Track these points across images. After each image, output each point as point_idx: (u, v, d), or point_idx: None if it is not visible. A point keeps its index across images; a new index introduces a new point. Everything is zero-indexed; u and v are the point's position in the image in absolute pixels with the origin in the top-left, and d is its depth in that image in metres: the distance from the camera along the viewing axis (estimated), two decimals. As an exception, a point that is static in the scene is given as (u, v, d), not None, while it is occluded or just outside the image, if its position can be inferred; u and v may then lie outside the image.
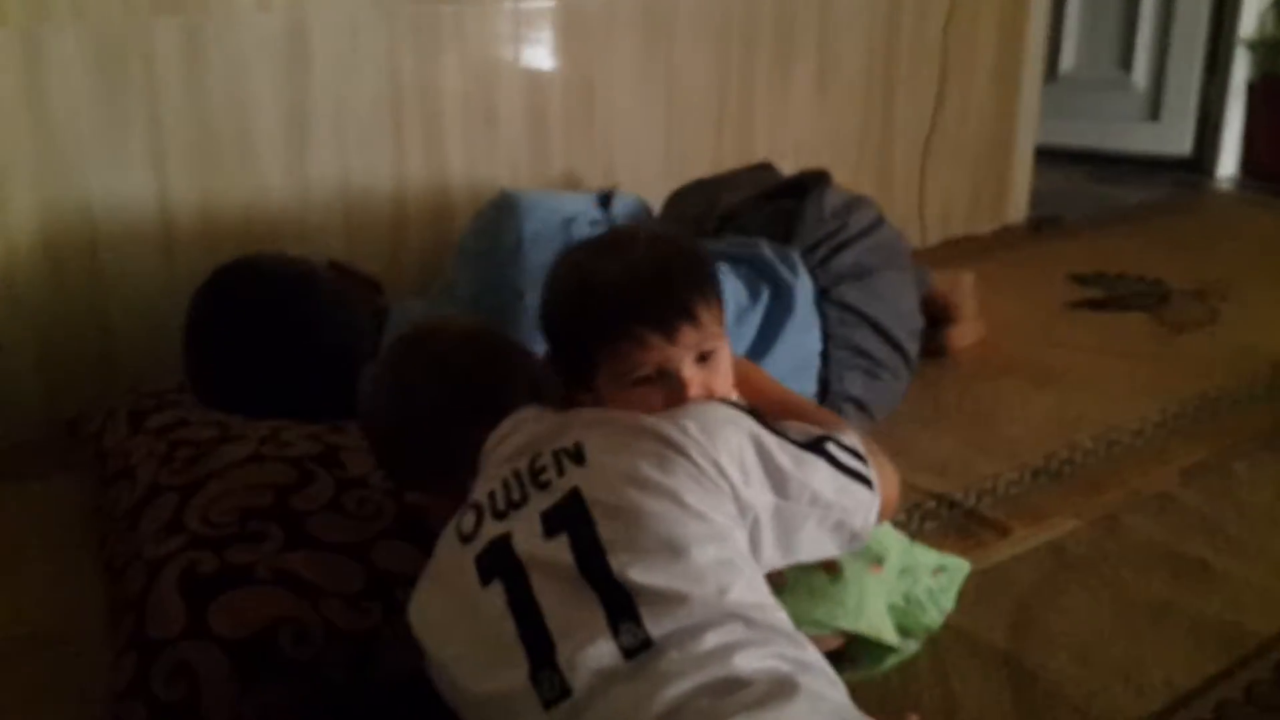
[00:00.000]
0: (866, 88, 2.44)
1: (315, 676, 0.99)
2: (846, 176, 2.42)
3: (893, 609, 1.13)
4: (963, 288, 1.97)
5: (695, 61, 2.15)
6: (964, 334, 2.00)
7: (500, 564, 0.86)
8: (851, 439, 1.01)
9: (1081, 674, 1.14)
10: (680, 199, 1.87)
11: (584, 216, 1.49)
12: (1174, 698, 1.10)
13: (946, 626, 1.20)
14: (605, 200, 1.55)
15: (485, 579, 0.86)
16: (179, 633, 0.98)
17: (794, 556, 0.96)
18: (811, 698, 0.75)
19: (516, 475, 0.91)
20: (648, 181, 2.00)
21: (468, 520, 0.91)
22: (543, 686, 0.78)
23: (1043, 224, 2.85)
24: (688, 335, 0.97)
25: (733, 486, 0.89)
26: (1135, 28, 3.40)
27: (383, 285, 1.52)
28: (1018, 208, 2.88)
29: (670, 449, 0.88)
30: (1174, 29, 3.35)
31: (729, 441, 0.91)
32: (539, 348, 1.11)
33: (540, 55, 1.94)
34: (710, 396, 0.99)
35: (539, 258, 1.34)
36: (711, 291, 1.01)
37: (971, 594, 1.26)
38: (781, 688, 0.74)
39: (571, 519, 0.85)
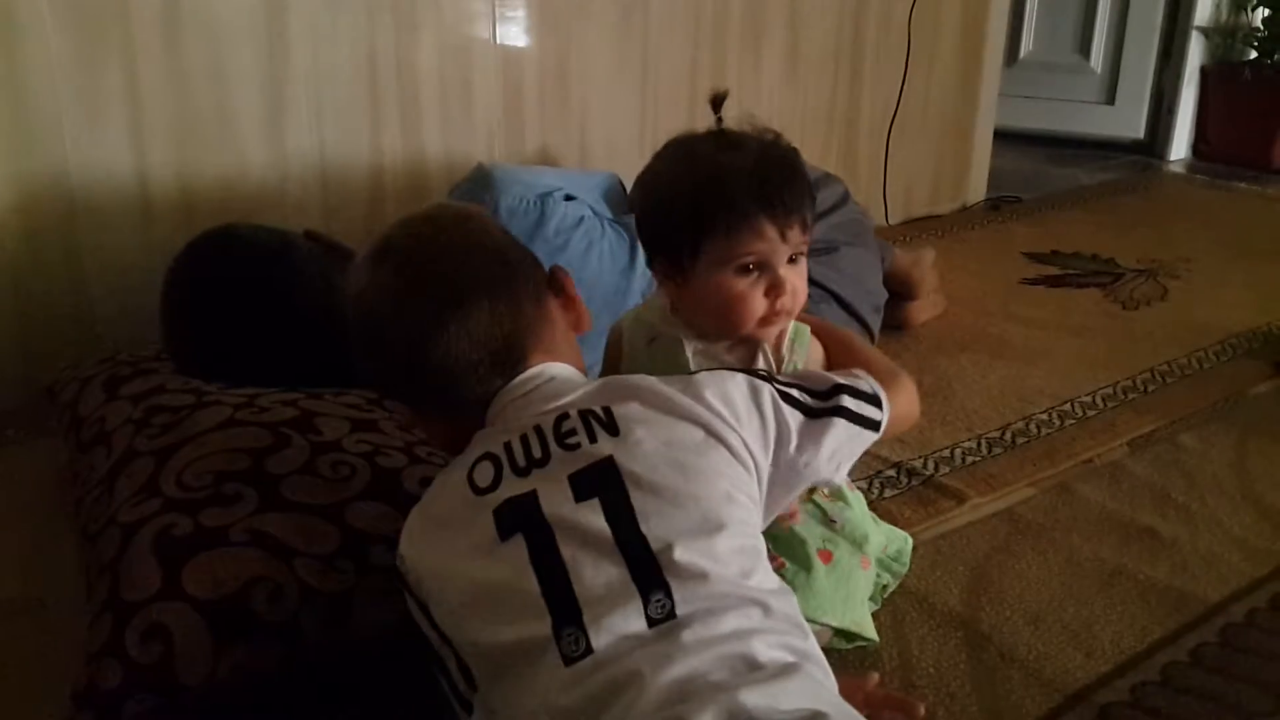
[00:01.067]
0: (834, 69, 2.47)
1: (290, 635, 1.01)
2: (814, 155, 2.46)
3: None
4: (923, 264, 2.01)
5: (668, 40, 2.16)
6: (925, 309, 2.04)
7: (523, 521, 0.85)
8: (871, 383, 1.05)
9: (1033, 637, 1.18)
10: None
11: (559, 192, 1.50)
12: (1122, 660, 1.14)
13: (904, 589, 1.23)
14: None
15: (505, 534, 0.85)
16: (153, 594, 0.99)
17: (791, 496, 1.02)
18: (814, 684, 0.79)
19: (539, 431, 0.90)
20: (622, 158, 2.03)
21: (484, 470, 0.90)
22: (565, 643, 0.79)
23: (1001, 203, 2.90)
24: (795, 234, 1.06)
25: (757, 467, 0.93)
26: (1094, 14, 3.46)
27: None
28: (978, 188, 2.93)
29: (706, 431, 0.90)
30: (1131, 16, 3.42)
31: (753, 418, 0.94)
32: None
33: (516, 33, 1.95)
34: (795, 299, 1.08)
35: (514, 231, 1.36)
36: (812, 202, 1.10)
37: (928, 559, 1.30)
38: (787, 672, 0.78)
39: (604, 486, 0.86)
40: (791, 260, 1.08)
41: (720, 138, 1.09)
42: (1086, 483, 1.51)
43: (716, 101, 1.14)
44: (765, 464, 0.95)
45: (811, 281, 1.58)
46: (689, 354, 1.10)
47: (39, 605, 1.20)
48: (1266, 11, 3.38)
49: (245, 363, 1.31)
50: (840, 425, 1.00)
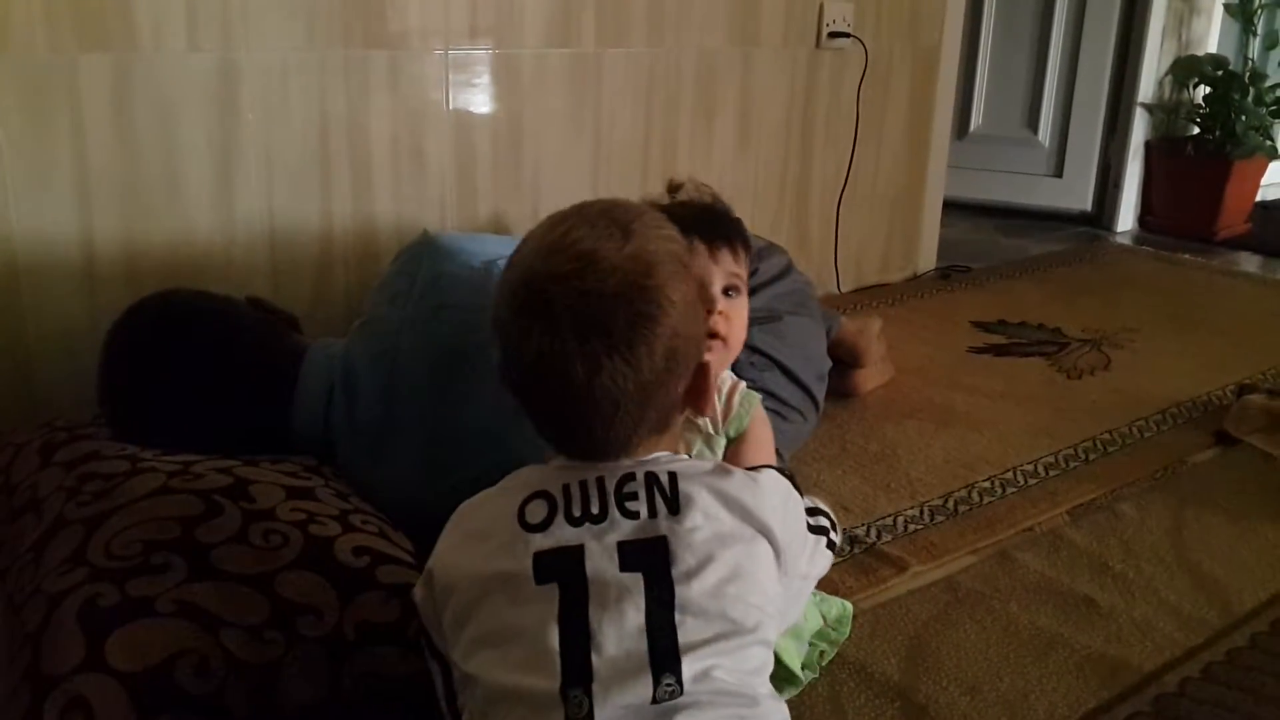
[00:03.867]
0: (785, 140, 2.52)
1: (215, 709, 0.98)
2: (766, 225, 2.50)
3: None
4: (870, 333, 2.03)
5: (621, 110, 2.20)
6: (871, 377, 2.06)
7: (564, 573, 0.84)
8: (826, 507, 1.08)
9: (969, 707, 1.18)
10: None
11: (503, 259, 1.51)
12: (1056, 729, 1.15)
13: (843, 659, 1.24)
14: None
15: (541, 578, 0.84)
16: (75, 666, 0.97)
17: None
18: None
19: (600, 485, 0.88)
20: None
21: (536, 508, 0.87)
22: (571, 704, 0.79)
23: (951, 273, 2.95)
24: (725, 257, 1.20)
25: (787, 576, 0.93)
26: (1041, 90, 3.56)
27: (301, 323, 1.53)
28: (928, 257, 2.98)
29: (759, 533, 0.89)
30: (1077, 92, 3.52)
31: (794, 528, 0.95)
32: (470, 389, 1.20)
33: (470, 100, 1.98)
34: (729, 329, 1.19)
35: (455, 299, 1.37)
36: (746, 243, 1.25)
37: (868, 627, 1.31)
38: None
39: (650, 564, 0.85)
40: (727, 293, 1.20)
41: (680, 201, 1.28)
42: (1026, 551, 1.52)
43: (673, 188, 1.31)
44: (793, 574, 0.96)
45: (756, 350, 1.62)
46: None
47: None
48: (1207, 89, 3.49)
49: (183, 428, 1.31)
50: (823, 545, 1.04)
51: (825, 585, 1.35)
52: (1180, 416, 2.02)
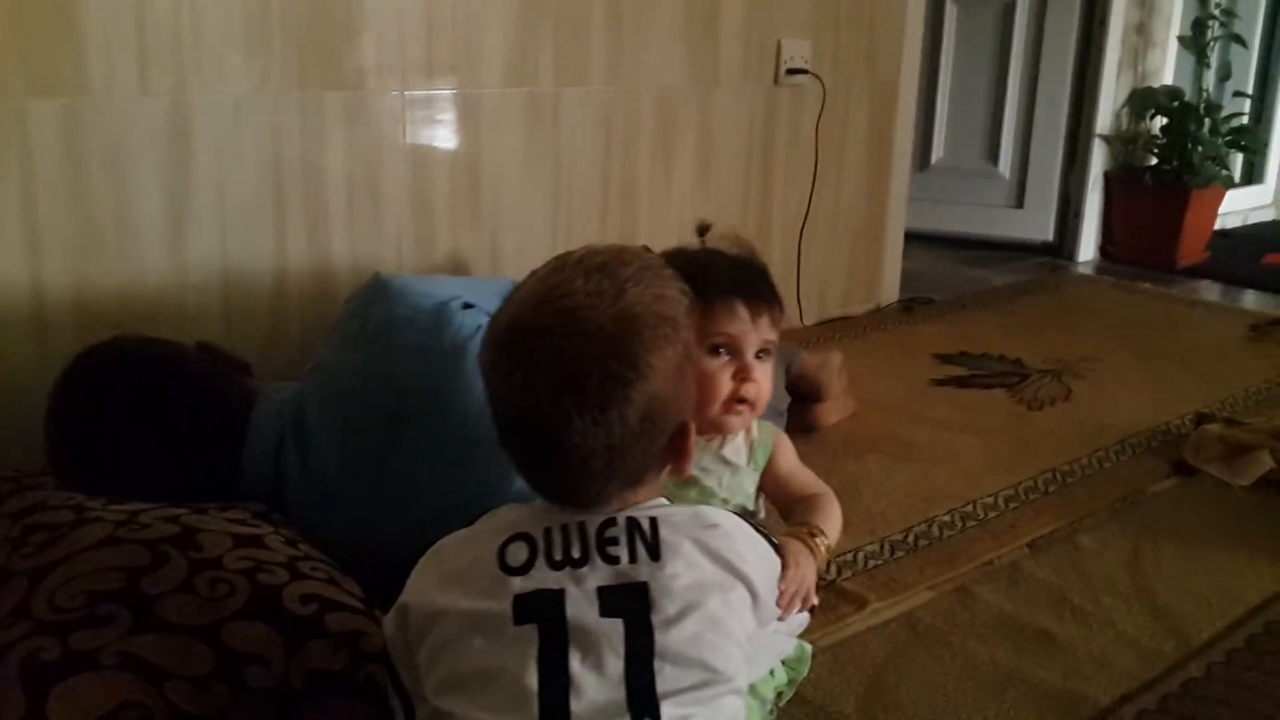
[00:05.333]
0: (746, 177, 2.54)
1: (159, 763, 0.97)
2: (726, 259, 2.51)
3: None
4: (831, 367, 2.04)
5: (580, 149, 2.21)
6: (833, 411, 2.06)
7: (543, 615, 0.85)
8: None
9: (927, 743, 1.18)
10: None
11: (457, 301, 1.51)
12: (1012, 765, 1.15)
13: (801, 699, 1.23)
14: None
15: (520, 620, 0.84)
16: (17, 722, 0.96)
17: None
18: None
19: (581, 530, 0.89)
20: (534, 264, 2.03)
21: (517, 550, 0.88)
22: None
23: (914, 305, 2.97)
24: (764, 323, 1.22)
25: (763, 623, 0.95)
26: (1001, 122, 3.60)
27: (252, 367, 1.52)
28: (890, 289, 3.00)
29: (738, 580, 0.90)
30: (1036, 124, 3.57)
31: (770, 576, 0.96)
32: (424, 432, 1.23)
33: (427, 139, 1.98)
34: (757, 393, 1.23)
35: (409, 341, 1.37)
36: (782, 307, 1.28)
37: (826, 665, 1.30)
38: None
39: (631, 610, 0.85)
40: (759, 356, 1.23)
41: (706, 248, 1.30)
42: (985, 585, 1.52)
43: (702, 230, 1.32)
44: (766, 622, 0.97)
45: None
46: None
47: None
48: (1163, 120, 3.54)
49: (130, 477, 1.29)
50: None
51: (784, 623, 1.35)
52: (1139, 446, 2.03)
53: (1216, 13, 3.54)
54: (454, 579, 0.90)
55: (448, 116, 2.00)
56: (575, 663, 0.83)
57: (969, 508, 1.76)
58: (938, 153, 3.67)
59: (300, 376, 1.44)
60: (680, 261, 1.18)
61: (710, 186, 2.47)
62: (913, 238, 3.28)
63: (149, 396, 1.33)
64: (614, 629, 0.84)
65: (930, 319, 2.87)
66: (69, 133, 1.60)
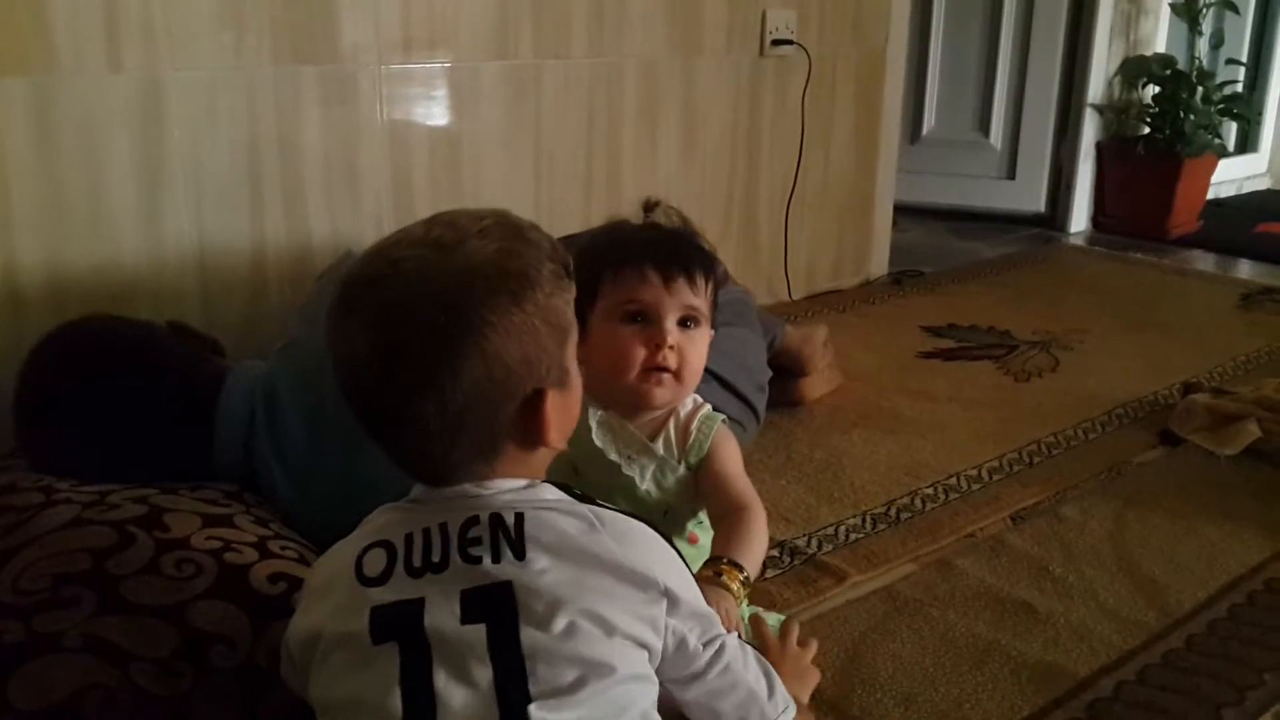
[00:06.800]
0: (731, 149, 2.51)
1: (123, 745, 0.97)
2: (715, 233, 2.48)
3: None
4: (815, 341, 2.03)
5: (562, 123, 2.18)
6: (818, 385, 2.05)
7: (401, 631, 0.78)
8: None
9: (903, 718, 1.17)
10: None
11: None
12: (990, 738, 1.14)
13: (776, 673, 1.22)
14: None
15: (379, 638, 0.78)
16: (-22, 707, 0.95)
17: None
18: None
19: (443, 532, 0.81)
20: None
21: (374, 559, 0.81)
22: None
23: (904, 278, 2.95)
24: (682, 288, 1.16)
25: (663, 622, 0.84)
26: (992, 93, 3.57)
27: (223, 346, 1.51)
28: (880, 263, 2.98)
29: (620, 572, 0.81)
30: (1027, 94, 3.54)
31: (669, 571, 0.85)
32: None
33: (405, 114, 1.96)
34: (684, 361, 1.16)
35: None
36: (709, 271, 1.19)
37: (802, 639, 1.29)
38: None
39: (495, 612, 0.78)
40: (684, 324, 1.17)
41: (645, 223, 1.24)
42: (966, 557, 1.51)
43: (648, 206, 1.26)
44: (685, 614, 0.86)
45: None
46: (592, 422, 1.18)
47: None
48: (1155, 89, 3.51)
49: (100, 458, 1.28)
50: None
51: (762, 599, 1.35)
52: (1126, 417, 2.02)
53: (1209, -21, 3.50)
54: (317, 597, 0.85)
55: (426, 91, 1.98)
56: (441, 679, 0.76)
57: (952, 480, 1.75)
58: (929, 124, 3.65)
59: (272, 355, 1.42)
60: (594, 234, 1.20)
61: (695, 160, 2.44)
62: (905, 210, 3.26)
63: (118, 376, 1.32)
64: (477, 636, 0.77)
65: (920, 292, 2.85)
66: (39, 112, 1.58)
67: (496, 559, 0.79)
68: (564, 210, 2.21)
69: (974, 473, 1.77)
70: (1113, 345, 2.42)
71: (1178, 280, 3.06)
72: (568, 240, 1.79)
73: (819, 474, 1.77)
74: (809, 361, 2.00)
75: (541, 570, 0.79)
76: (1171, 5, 3.60)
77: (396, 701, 0.76)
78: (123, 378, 1.32)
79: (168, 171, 1.71)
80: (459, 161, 2.05)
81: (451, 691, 0.76)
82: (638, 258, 1.16)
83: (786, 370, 1.97)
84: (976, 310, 2.65)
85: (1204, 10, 3.52)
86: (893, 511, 1.64)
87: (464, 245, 0.81)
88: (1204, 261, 3.31)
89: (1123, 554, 1.52)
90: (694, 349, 1.18)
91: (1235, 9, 3.64)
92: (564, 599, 0.78)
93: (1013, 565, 1.49)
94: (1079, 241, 3.51)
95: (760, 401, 1.71)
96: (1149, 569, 1.48)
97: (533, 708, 0.76)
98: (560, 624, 0.77)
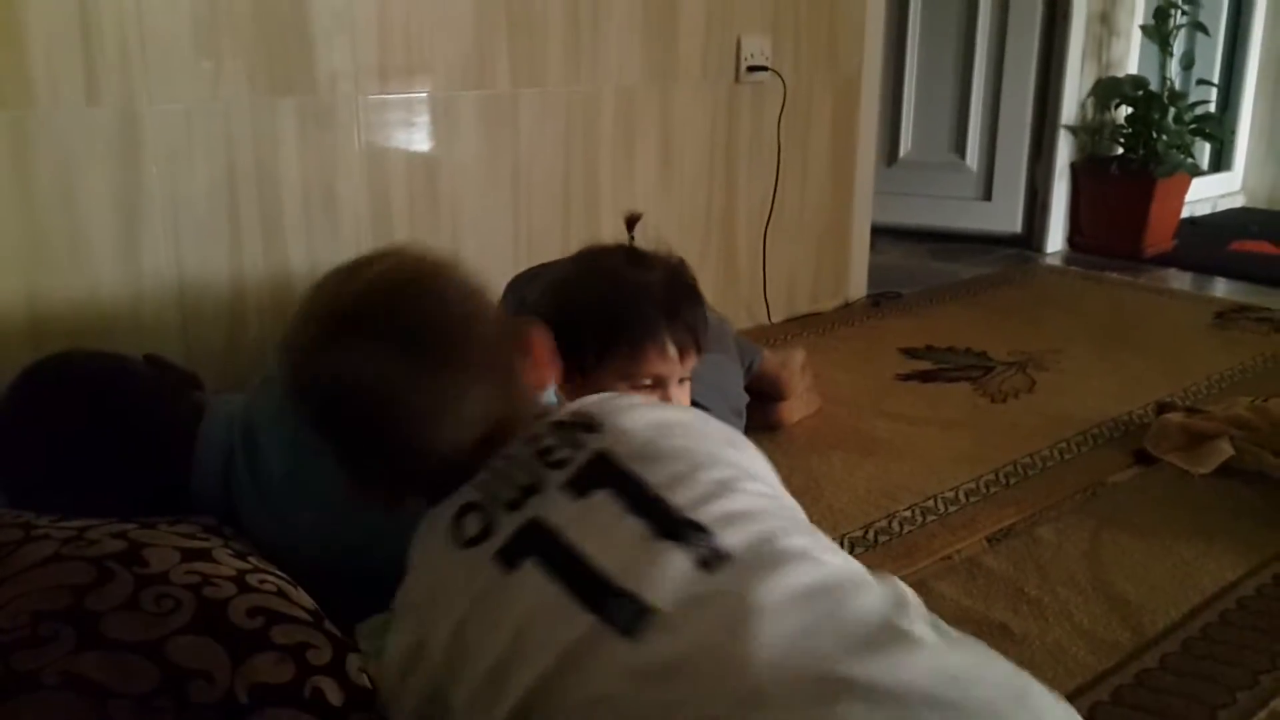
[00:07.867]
0: (709, 175, 2.54)
1: (102, 783, 0.97)
2: (693, 257, 2.48)
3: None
4: (792, 365, 2.04)
5: (539, 151, 2.21)
6: (796, 409, 2.07)
7: (532, 545, 0.79)
8: None
9: (882, 739, 1.18)
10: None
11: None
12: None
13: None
14: None
15: (511, 565, 0.79)
16: (-44, 747, 0.95)
17: None
18: None
19: (519, 461, 0.85)
20: (496, 264, 2.04)
21: (471, 522, 0.83)
22: (613, 614, 0.73)
23: (882, 300, 2.97)
24: (691, 358, 1.26)
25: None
26: (967, 116, 3.62)
27: (201, 380, 1.51)
28: (858, 285, 3.00)
29: (692, 415, 0.91)
30: (1002, 116, 3.58)
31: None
32: None
33: (383, 144, 1.97)
34: None
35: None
36: (706, 326, 1.30)
37: (781, 665, 1.30)
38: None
39: (605, 477, 0.81)
40: (681, 383, 1.27)
41: (630, 254, 1.27)
42: (944, 580, 1.52)
43: (630, 222, 1.26)
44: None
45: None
46: None
47: None
48: (1128, 109, 3.56)
49: (79, 493, 1.28)
50: None
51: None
52: (1101, 437, 2.04)
53: (1179, 1, 3.55)
54: (426, 600, 0.85)
55: (405, 120, 1.99)
56: (579, 543, 0.77)
57: (929, 502, 1.76)
58: (905, 146, 3.69)
59: (250, 388, 1.43)
60: (605, 279, 1.22)
61: (673, 186, 2.46)
62: (882, 232, 3.29)
63: (95, 411, 1.32)
64: (600, 499, 0.80)
65: (898, 314, 2.87)
66: (15, 146, 1.59)
67: (578, 445, 0.84)
68: (542, 237, 2.23)
69: (951, 494, 1.79)
70: (1088, 365, 2.45)
71: (1153, 299, 3.09)
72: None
73: (798, 498, 1.71)
74: (787, 385, 2.02)
75: (621, 428, 0.85)
76: (1142, 27, 3.65)
77: (554, 586, 0.76)
78: (99, 412, 1.32)
79: (146, 204, 1.72)
80: (437, 190, 2.06)
81: (593, 542, 0.77)
82: (657, 333, 1.23)
83: (765, 395, 1.99)
84: (954, 331, 2.67)
85: (1174, 32, 3.57)
86: (870, 535, 1.66)
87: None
88: (1179, 280, 3.35)
89: (1098, 574, 1.54)
90: (686, 398, 1.30)
91: (1205, 30, 3.71)
92: (653, 425, 0.85)
93: (989, 587, 1.50)
94: (1055, 261, 3.54)
95: (739, 426, 1.72)
96: (1123, 589, 1.50)
97: (695, 514, 0.78)
98: (665, 444, 0.83)
